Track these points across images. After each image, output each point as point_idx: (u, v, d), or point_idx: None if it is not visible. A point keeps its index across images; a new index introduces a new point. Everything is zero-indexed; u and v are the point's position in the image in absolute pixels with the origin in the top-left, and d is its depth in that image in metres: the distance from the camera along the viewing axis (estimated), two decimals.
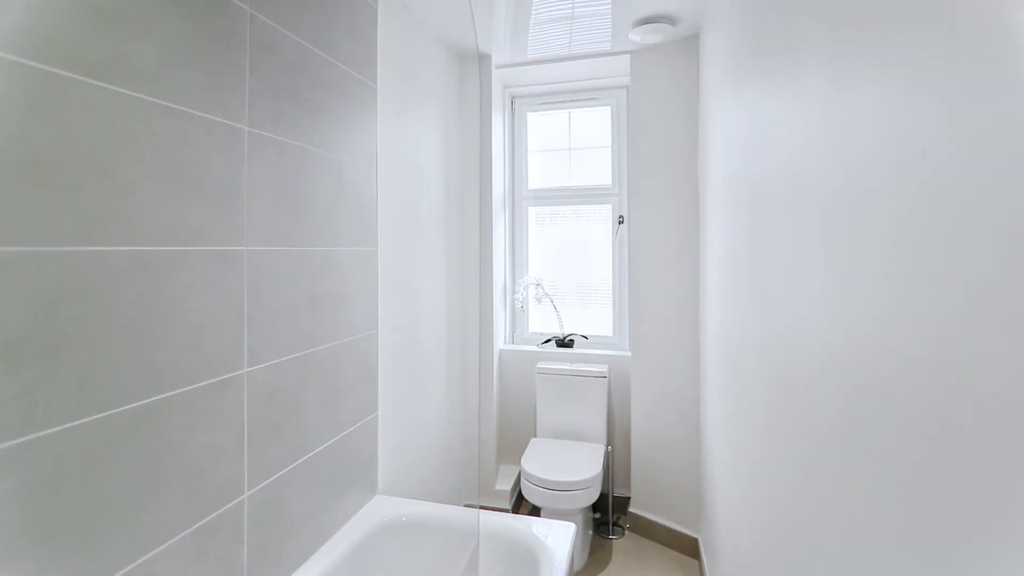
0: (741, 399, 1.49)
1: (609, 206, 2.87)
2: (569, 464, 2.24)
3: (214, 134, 1.09)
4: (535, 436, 2.69)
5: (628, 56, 2.49)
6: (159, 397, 0.96)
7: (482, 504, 2.58)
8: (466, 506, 2.57)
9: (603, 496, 2.51)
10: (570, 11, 2.17)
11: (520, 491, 2.72)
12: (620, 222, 2.81)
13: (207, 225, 1.07)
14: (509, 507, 2.56)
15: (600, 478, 2.21)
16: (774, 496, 1.16)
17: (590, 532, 2.41)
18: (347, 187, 1.58)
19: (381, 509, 1.62)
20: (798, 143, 0.94)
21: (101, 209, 0.87)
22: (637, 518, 2.49)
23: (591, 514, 2.45)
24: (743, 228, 1.47)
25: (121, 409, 0.89)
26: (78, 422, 0.82)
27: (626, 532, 2.50)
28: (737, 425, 1.56)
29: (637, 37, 2.29)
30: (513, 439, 2.82)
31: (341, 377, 1.55)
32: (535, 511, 2.50)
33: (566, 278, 2.96)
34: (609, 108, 2.87)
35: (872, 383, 0.65)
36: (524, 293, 2.90)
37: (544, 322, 2.98)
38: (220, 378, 1.09)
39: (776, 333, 1.12)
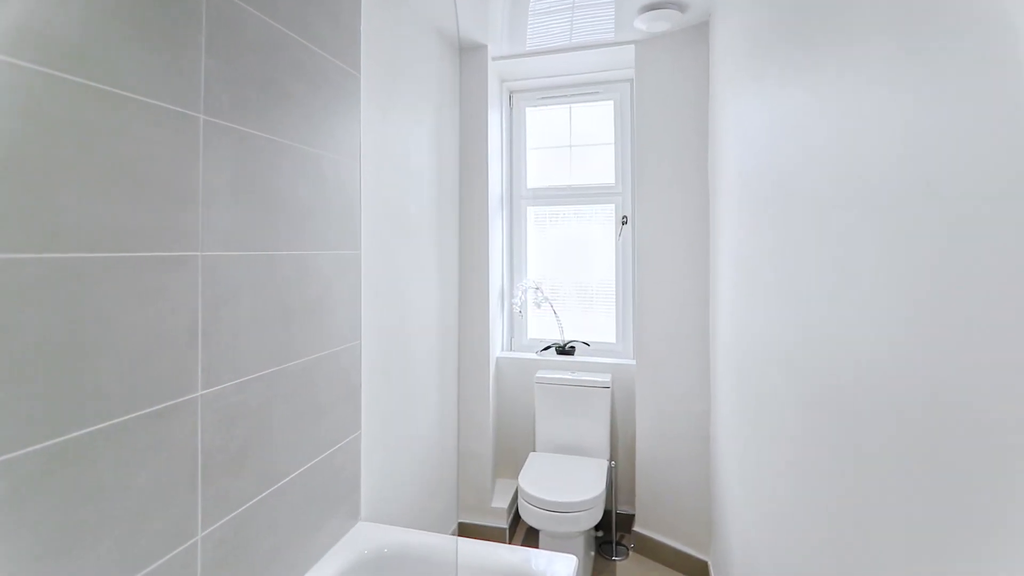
0: (762, 413, 1.35)
1: (612, 206, 2.72)
2: (570, 482, 2.09)
3: (160, 122, 0.94)
4: (534, 450, 2.54)
5: (632, 46, 2.34)
6: (85, 431, 0.81)
7: (477, 523, 2.43)
8: (459, 524, 2.42)
9: (606, 513, 2.36)
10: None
11: (518, 508, 2.57)
12: (623, 222, 2.66)
13: (150, 227, 0.92)
14: (506, 526, 2.41)
15: (603, 497, 2.06)
16: (807, 533, 1.01)
17: (592, 553, 2.27)
18: (326, 185, 1.44)
19: (363, 539, 1.48)
20: (855, 134, 0.79)
21: (10, 209, 0.72)
22: (642, 538, 2.34)
23: (593, 533, 2.30)
24: (765, 227, 1.32)
25: (31, 449, 0.74)
26: None
27: (630, 553, 2.35)
28: (755, 443, 1.41)
29: (643, 25, 2.14)
30: (511, 452, 2.67)
31: (318, 394, 1.40)
32: (533, 531, 2.35)
33: (567, 282, 2.81)
34: (612, 103, 2.73)
35: (958, 401, 0.52)
36: (522, 297, 2.75)
37: (544, 328, 2.83)
38: (166, 404, 0.95)
39: (812, 343, 0.97)
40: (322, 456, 1.41)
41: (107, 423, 0.84)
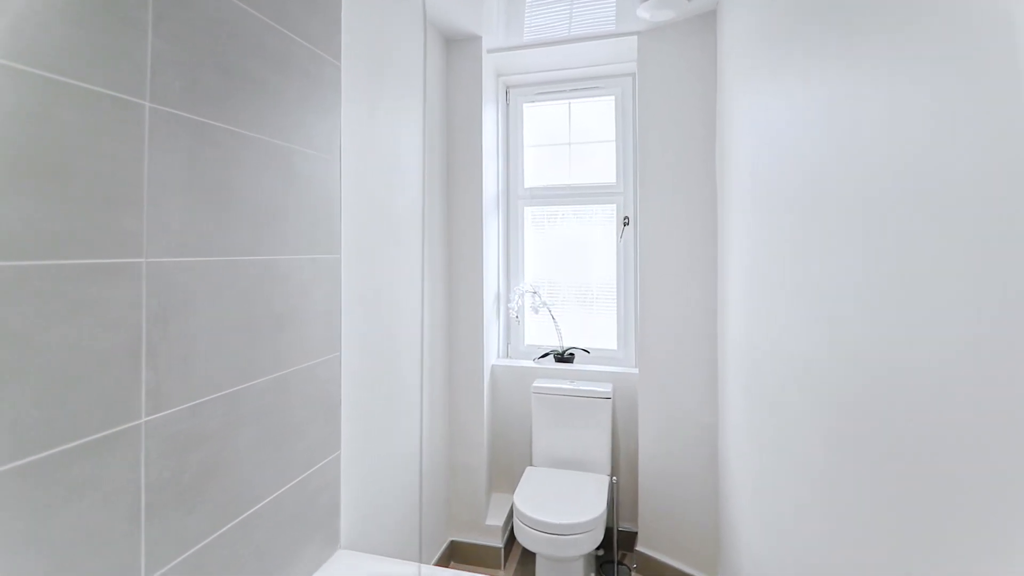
0: (781, 418, 1.22)
1: (613, 206, 2.60)
2: (569, 501, 1.96)
3: (95, 110, 0.82)
4: (531, 464, 2.41)
5: (635, 38, 2.22)
6: None
7: (470, 542, 2.30)
8: (451, 542, 2.29)
9: (607, 531, 2.23)
10: None
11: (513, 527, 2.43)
12: (625, 223, 2.54)
13: (80, 231, 0.80)
14: (501, 545, 2.28)
15: (605, 517, 1.93)
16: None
17: (592, 575, 2.14)
18: (299, 182, 1.31)
19: (341, 570, 1.35)
20: (913, 125, 0.66)
21: None
22: (645, 558, 2.21)
23: (594, 553, 2.18)
24: (784, 225, 1.19)
25: None
26: None
27: (633, 573, 2.22)
28: (771, 461, 1.29)
29: (646, 14, 2.02)
30: (507, 465, 2.54)
31: (292, 412, 1.27)
32: (530, 551, 2.22)
33: (566, 286, 2.69)
34: (613, 98, 2.60)
35: None
36: (519, 302, 2.62)
37: (541, 334, 2.70)
38: (99, 435, 0.82)
39: (841, 347, 0.85)
40: (296, 480, 1.29)
41: (19, 462, 0.71)
